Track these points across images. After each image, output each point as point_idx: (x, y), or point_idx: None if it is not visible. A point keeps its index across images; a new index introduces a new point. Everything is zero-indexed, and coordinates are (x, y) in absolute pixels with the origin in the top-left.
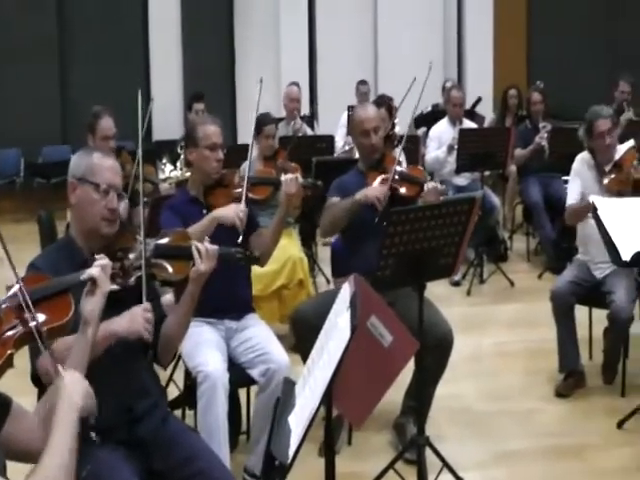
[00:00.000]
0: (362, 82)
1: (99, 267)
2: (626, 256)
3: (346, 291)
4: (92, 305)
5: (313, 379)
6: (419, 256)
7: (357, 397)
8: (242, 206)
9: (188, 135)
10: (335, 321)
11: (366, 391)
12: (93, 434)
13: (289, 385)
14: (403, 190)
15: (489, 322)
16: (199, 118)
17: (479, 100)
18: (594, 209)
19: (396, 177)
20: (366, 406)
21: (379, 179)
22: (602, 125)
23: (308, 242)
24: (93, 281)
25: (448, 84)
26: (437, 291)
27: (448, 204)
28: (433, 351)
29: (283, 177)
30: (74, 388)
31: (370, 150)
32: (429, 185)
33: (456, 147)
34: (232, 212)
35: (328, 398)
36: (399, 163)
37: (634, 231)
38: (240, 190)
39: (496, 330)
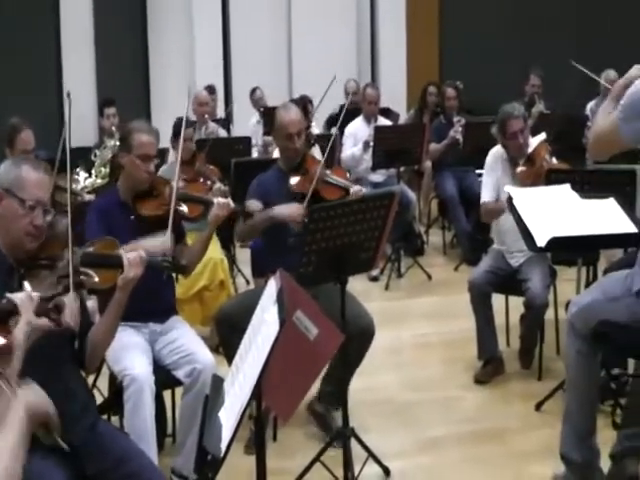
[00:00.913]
0: (255, 89)
1: (24, 296)
2: (541, 242)
3: (272, 286)
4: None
5: (242, 374)
6: (340, 251)
7: (284, 391)
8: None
9: (122, 138)
10: (262, 316)
11: (293, 384)
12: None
13: (218, 382)
14: (325, 195)
15: (408, 315)
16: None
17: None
18: (509, 199)
19: (321, 179)
20: (293, 399)
21: (298, 177)
22: (515, 125)
23: (227, 244)
24: (16, 309)
25: (349, 85)
26: (356, 286)
27: (368, 199)
28: (356, 341)
29: (216, 200)
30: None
31: (293, 154)
32: (354, 188)
33: (372, 144)
34: None
35: (258, 393)
36: (323, 165)
37: (547, 218)
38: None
39: (415, 322)
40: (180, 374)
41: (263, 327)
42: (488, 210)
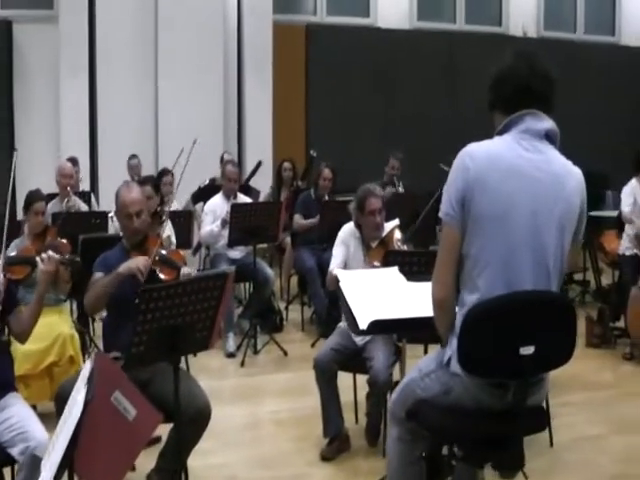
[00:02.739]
0: (132, 156)
1: None
2: (363, 325)
3: (87, 368)
4: None
5: (55, 453)
6: (174, 331)
7: (105, 469)
8: None
9: None
10: (75, 397)
11: (113, 462)
12: None
13: (35, 461)
14: (160, 273)
15: (263, 392)
16: None
17: (259, 164)
18: (337, 281)
19: (157, 258)
20: (114, 476)
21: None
22: (374, 203)
23: (84, 317)
24: None
25: (226, 156)
26: (211, 363)
27: (201, 280)
28: (192, 422)
29: (38, 257)
30: None
31: (132, 233)
32: (184, 270)
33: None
34: None
35: (69, 471)
36: (161, 245)
37: (371, 301)
38: None
39: (268, 399)
40: (14, 452)
41: (74, 407)
42: (333, 277)
